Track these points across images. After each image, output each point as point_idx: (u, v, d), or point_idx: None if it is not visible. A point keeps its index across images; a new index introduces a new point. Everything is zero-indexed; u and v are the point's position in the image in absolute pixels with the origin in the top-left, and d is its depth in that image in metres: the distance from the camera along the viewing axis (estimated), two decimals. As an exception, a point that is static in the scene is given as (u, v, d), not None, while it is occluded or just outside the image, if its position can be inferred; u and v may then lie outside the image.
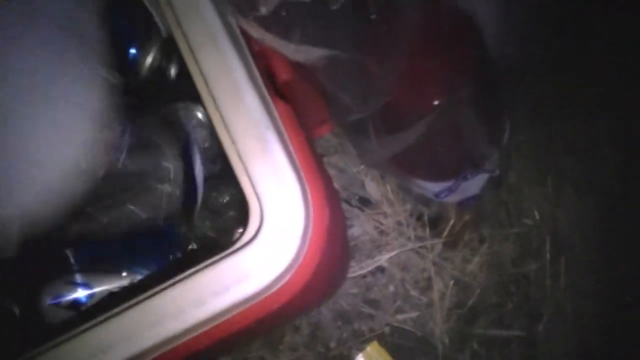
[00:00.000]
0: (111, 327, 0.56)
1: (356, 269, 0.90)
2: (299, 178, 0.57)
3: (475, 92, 0.67)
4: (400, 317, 0.90)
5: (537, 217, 0.91)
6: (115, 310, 0.56)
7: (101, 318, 0.56)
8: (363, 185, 0.92)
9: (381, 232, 0.91)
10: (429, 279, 0.90)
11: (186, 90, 0.66)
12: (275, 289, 0.56)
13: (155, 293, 0.56)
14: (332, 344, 0.89)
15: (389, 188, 0.91)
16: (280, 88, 0.65)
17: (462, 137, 0.73)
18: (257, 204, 0.56)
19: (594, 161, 0.92)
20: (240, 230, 0.58)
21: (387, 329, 0.90)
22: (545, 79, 0.90)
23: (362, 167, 0.92)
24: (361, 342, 0.89)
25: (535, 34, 0.67)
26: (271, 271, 0.55)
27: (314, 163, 0.63)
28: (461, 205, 0.86)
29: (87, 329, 0.56)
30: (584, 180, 0.92)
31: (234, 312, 0.56)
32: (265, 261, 0.55)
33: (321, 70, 0.60)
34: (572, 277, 0.89)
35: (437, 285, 0.90)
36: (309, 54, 0.58)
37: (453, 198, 0.82)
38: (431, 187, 0.80)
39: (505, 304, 0.90)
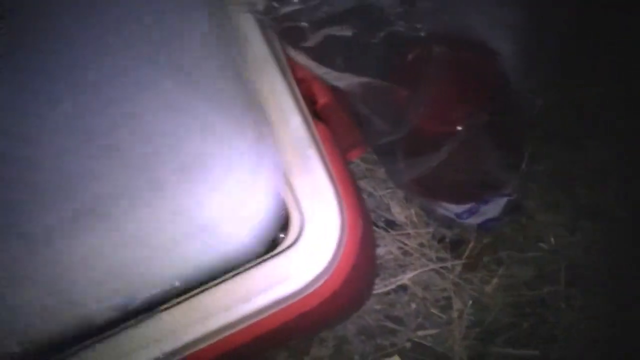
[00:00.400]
0: (164, 319, 0.63)
1: (380, 287, 0.97)
2: (336, 192, 0.65)
3: (494, 119, 0.74)
4: (420, 333, 0.96)
5: (553, 242, 0.97)
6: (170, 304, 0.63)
7: (156, 311, 0.63)
8: (389, 208, 1.00)
9: (405, 253, 0.99)
10: (449, 298, 0.97)
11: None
12: (312, 289, 0.64)
13: (205, 290, 0.63)
14: (356, 357, 0.96)
15: (413, 211, 0.99)
16: (319, 111, 0.73)
17: (482, 162, 0.80)
18: (298, 213, 0.64)
19: (605, 188, 0.99)
20: (282, 236, 0.66)
21: (408, 344, 0.96)
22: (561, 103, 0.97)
23: (389, 191, 1.00)
24: (383, 356, 0.96)
25: (553, 61, 0.74)
26: (309, 273, 0.63)
27: (348, 180, 0.71)
28: (481, 227, 0.93)
29: (140, 322, 0.64)
30: (595, 207, 0.99)
31: (276, 309, 0.63)
32: (304, 264, 0.63)
33: (358, 95, 0.69)
34: (586, 301, 0.95)
35: (457, 304, 0.97)
36: (349, 80, 0.66)
37: (474, 220, 0.89)
38: (453, 209, 0.88)
39: (521, 324, 0.96)
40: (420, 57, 0.69)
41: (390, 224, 1.00)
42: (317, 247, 0.63)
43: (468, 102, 0.77)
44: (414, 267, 0.98)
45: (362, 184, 1.01)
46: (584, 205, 0.99)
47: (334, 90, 0.72)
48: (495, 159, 0.83)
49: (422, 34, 0.64)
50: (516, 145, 0.87)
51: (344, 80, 0.66)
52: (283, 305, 0.63)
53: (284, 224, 0.66)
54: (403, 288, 0.98)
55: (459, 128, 0.76)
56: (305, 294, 0.64)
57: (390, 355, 0.95)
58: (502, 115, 0.79)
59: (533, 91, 0.77)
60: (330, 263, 0.63)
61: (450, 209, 0.88)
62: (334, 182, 0.65)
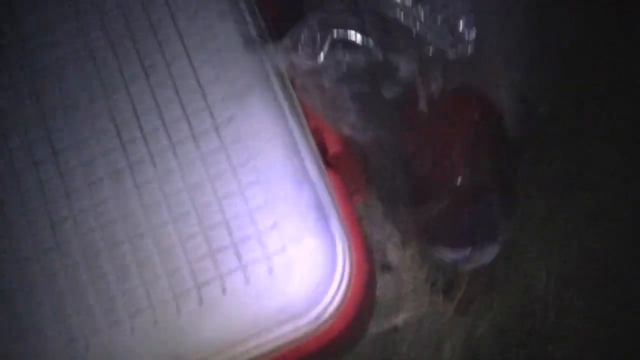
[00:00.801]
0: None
1: (374, 328, 1.01)
2: (347, 239, 0.69)
3: (490, 172, 0.80)
4: None
5: (543, 285, 1.01)
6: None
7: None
8: (385, 252, 1.04)
9: (398, 296, 1.03)
10: (440, 341, 1.01)
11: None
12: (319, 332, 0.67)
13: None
14: (350, 398, 0.99)
15: (408, 255, 1.03)
16: (330, 159, 0.78)
17: (478, 212, 0.85)
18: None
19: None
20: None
21: None
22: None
23: (385, 234, 1.04)
24: (376, 398, 0.99)
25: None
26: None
27: (356, 224, 0.75)
28: (475, 272, 0.98)
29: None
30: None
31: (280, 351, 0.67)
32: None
33: (369, 145, 0.74)
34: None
35: (447, 347, 1.01)
36: (361, 131, 0.71)
37: (469, 265, 0.94)
38: (449, 254, 0.93)
39: None
40: (429, 111, 0.74)
41: (386, 267, 1.04)
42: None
43: (466, 157, 0.82)
44: (406, 310, 1.02)
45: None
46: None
47: (344, 137, 0.77)
48: (491, 207, 0.88)
49: (435, 90, 0.69)
50: (511, 190, 0.92)
51: (357, 131, 0.71)
52: (289, 347, 0.67)
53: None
54: (395, 330, 1.02)
55: (460, 177, 0.81)
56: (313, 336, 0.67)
57: (382, 397, 0.99)
58: (500, 168, 0.84)
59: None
60: (339, 304, 0.67)
61: (447, 254, 0.93)
62: (345, 229, 0.69)
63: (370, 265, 0.75)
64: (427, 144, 0.77)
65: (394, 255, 1.04)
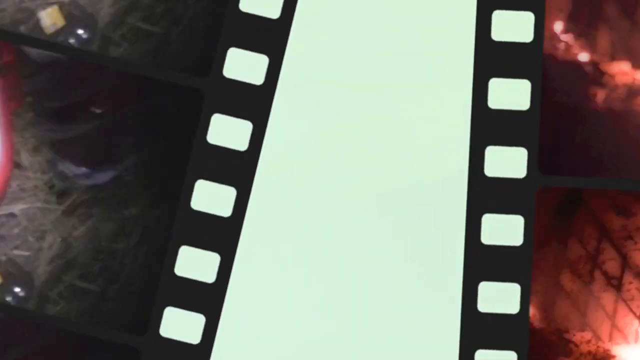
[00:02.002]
0: None
1: (-3, 210, 1.19)
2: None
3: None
4: (16, 252, 1.15)
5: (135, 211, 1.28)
6: None
7: None
8: (19, 154, 1.24)
9: (21, 189, 1.23)
10: (45, 232, 1.23)
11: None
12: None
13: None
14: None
15: (37, 160, 1.24)
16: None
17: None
18: None
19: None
20: None
21: (4, 258, 1.13)
22: None
23: (24, 139, 1.23)
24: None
25: None
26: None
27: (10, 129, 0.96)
28: (88, 187, 1.23)
29: None
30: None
31: None
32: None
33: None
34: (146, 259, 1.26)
35: (49, 238, 1.22)
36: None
37: (83, 181, 1.20)
38: (71, 169, 1.18)
39: (93, 266, 1.23)
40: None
41: (17, 165, 1.24)
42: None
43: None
44: (25, 202, 1.23)
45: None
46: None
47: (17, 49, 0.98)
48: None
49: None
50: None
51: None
52: None
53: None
54: (12, 215, 1.22)
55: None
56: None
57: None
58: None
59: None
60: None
61: (69, 168, 1.16)
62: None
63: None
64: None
65: (26, 157, 1.25)
